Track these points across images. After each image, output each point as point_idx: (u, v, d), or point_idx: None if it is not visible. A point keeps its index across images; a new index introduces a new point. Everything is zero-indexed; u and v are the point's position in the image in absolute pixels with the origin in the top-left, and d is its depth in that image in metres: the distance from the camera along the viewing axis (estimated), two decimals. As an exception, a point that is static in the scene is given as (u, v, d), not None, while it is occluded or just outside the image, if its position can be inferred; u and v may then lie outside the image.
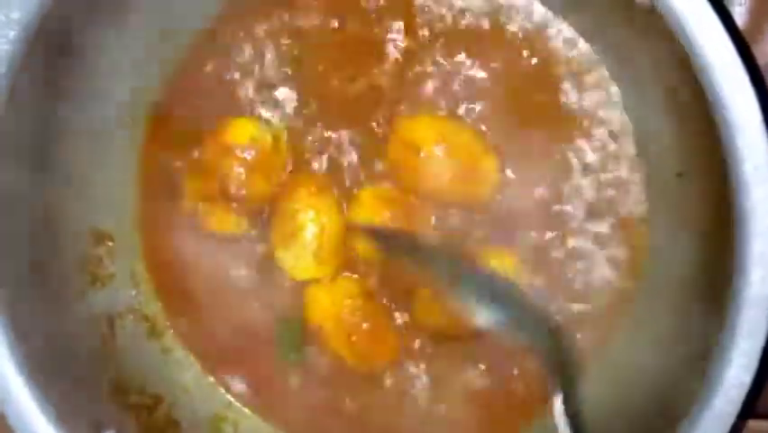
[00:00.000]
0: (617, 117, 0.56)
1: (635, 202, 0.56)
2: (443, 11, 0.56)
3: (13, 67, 0.48)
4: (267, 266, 0.58)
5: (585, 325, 0.57)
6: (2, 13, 0.46)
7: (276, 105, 0.58)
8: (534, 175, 0.56)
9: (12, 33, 0.47)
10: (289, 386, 0.60)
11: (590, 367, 0.57)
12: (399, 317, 0.58)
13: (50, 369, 0.51)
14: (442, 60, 0.56)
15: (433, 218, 0.56)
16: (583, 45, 0.56)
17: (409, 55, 0.56)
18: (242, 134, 0.56)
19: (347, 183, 0.57)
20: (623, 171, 0.56)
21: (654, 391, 0.52)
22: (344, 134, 0.57)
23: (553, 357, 0.53)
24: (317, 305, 0.57)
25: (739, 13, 0.57)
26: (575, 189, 0.56)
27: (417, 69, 0.56)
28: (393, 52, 0.56)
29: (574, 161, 0.56)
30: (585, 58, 0.56)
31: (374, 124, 0.56)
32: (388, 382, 0.59)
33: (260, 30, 0.57)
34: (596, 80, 0.56)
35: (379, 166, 0.57)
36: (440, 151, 0.55)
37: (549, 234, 0.56)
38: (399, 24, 0.56)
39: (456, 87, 0.56)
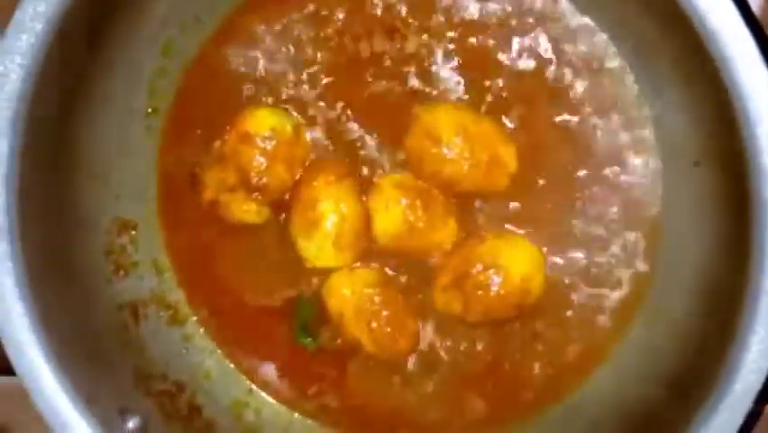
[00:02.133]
0: (634, 106, 0.56)
1: (652, 190, 0.56)
2: (465, 2, 0.57)
3: (39, 60, 0.48)
4: (288, 255, 0.58)
5: (604, 310, 0.57)
6: (29, 7, 0.47)
7: (296, 94, 0.58)
8: (551, 163, 0.57)
9: (39, 27, 0.47)
10: (310, 371, 0.61)
11: (610, 352, 0.57)
12: (419, 305, 0.58)
13: (77, 356, 0.52)
14: (460, 50, 0.57)
15: (452, 207, 0.57)
16: (601, 35, 0.56)
17: (429, 46, 0.57)
18: (262, 125, 0.56)
19: (367, 172, 0.57)
20: (640, 160, 0.56)
21: (673, 376, 0.52)
22: (364, 123, 0.57)
23: None
24: (337, 293, 0.57)
25: (756, 1, 0.57)
26: (593, 177, 0.56)
27: (437, 59, 0.57)
28: (413, 42, 0.57)
29: (592, 148, 0.56)
30: (603, 47, 0.56)
31: (394, 113, 0.57)
32: (405, 368, 0.59)
33: (281, 20, 0.58)
34: (613, 70, 0.56)
35: (399, 155, 0.57)
36: (459, 139, 0.55)
37: (567, 222, 0.57)
38: (420, 15, 0.57)
39: (474, 76, 0.57)
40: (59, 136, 0.53)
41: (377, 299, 0.57)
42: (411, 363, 0.59)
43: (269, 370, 0.61)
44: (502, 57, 0.56)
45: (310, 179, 0.57)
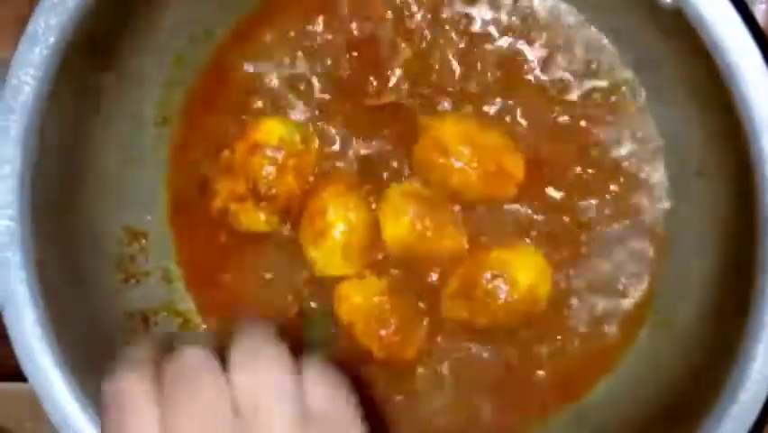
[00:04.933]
0: (641, 117, 0.56)
1: (658, 200, 0.56)
2: (468, 10, 0.57)
3: (51, 71, 0.49)
4: (296, 264, 0.59)
5: (610, 319, 0.57)
6: (41, 20, 0.48)
7: (305, 105, 0.58)
8: (559, 173, 0.57)
9: (51, 39, 0.48)
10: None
11: (616, 361, 0.58)
12: (426, 312, 0.58)
13: (87, 364, 0.52)
14: (466, 60, 0.57)
15: (459, 216, 0.57)
16: (609, 47, 0.56)
17: (438, 56, 0.57)
18: (271, 135, 0.57)
19: (376, 181, 0.58)
20: (647, 170, 0.56)
21: (679, 385, 0.53)
22: (374, 133, 0.58)
23: None
24: (347, 302, 0.58)
25: (761, 12, 0.57)
26: (599, 187, 0.57)
27: (445, 69, 0.57)
28: (423, 51, 0.57)
29: (598, 159, 0.56)
30: (611, 60, 0.56)
31: (403, 123, 0.57)
32: (414, 375, 0.59)
33: (291, 31, 0.58)
34: (621, 81, 0.56)
35: (407, 165, 0.57)
36: (466, 149, 0.55)
37: (574, 231, 0.57)
38: (429, 25, 0.57)
39: (482, 87, 0.57)
40: (71, 146, 0.54)
41: (386, 307, 0.58)
42: (420, 370, 0.59)
43: (279, 378, 0.61)
44: (510, 70, 0.57)
45: (319, 189, 0.57)
